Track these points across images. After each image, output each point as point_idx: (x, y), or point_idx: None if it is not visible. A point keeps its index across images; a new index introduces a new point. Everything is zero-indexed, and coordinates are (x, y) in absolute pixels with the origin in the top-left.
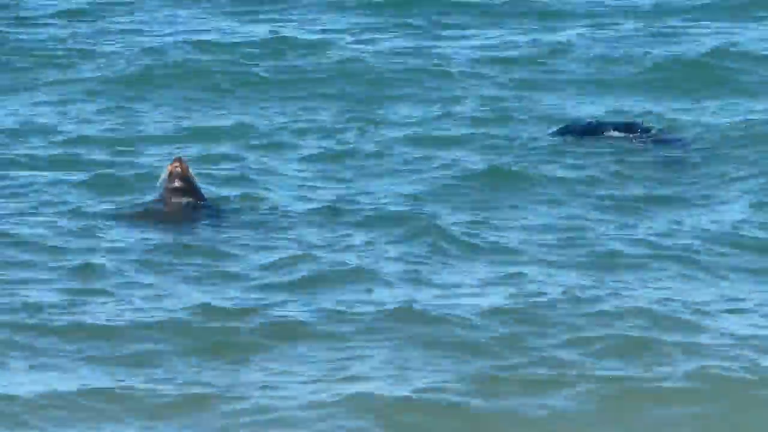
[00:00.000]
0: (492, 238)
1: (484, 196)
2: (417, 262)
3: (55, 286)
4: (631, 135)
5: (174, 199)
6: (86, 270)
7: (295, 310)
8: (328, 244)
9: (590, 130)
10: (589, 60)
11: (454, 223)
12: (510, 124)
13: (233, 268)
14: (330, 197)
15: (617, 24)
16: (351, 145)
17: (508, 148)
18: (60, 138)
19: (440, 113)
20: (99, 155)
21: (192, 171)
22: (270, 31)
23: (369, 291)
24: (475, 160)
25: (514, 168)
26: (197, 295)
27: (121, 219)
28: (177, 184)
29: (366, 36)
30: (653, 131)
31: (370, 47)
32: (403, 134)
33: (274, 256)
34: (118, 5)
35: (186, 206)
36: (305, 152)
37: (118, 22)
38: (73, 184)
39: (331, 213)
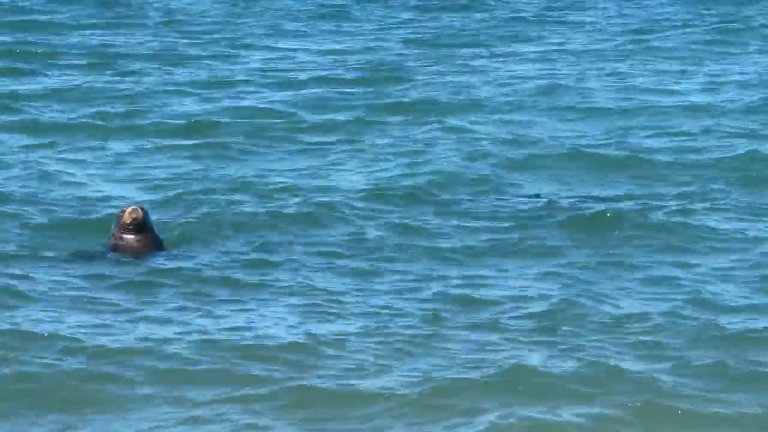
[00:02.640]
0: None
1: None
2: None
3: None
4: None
5: (128, 242)
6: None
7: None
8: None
9: None
10: None
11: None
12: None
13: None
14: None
15: None
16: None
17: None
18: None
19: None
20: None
21: (149, 215)
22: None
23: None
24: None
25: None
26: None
27: (74, 260)
28: (131, 227)
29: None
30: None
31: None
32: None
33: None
34: None
35: (141, 248)
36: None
37: None
38: (29, 225)
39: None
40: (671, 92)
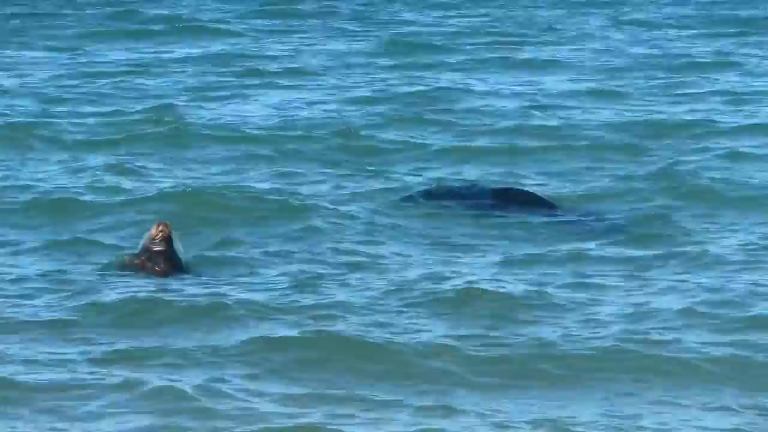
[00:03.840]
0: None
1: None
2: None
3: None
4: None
5: (154, 260)
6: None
7: None
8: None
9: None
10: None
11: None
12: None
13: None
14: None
15: None
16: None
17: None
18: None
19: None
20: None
21: (174, 234)
22: None
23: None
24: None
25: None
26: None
27: (103, 277)
28: (159, 246)
29: None
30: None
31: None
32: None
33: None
34: None
35: (165, 267)
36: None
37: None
38: (52, 241)
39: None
40: None
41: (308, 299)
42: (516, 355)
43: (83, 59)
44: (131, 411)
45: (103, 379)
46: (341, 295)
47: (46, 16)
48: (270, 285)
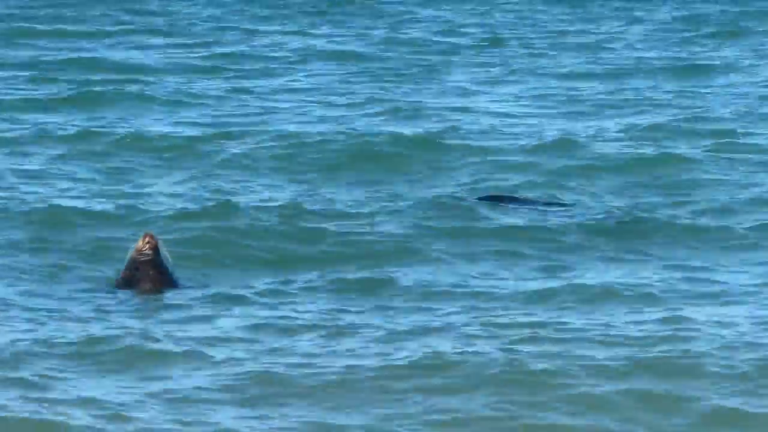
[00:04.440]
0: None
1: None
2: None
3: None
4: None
5: (143, 271)
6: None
7: None
8: None
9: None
10: None
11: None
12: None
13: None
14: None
15: None
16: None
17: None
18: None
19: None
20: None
21: (162, 245)
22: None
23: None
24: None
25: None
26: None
27: (91, 291)
28: (146, 258)
29: None
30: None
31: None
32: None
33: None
34: None
35: (153, 280)
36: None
37: None
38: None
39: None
40: None
41: (302, 307)
42: None
43: None
44: None
45: None
46: (340, 308)
47: None
48: (262, 295)
